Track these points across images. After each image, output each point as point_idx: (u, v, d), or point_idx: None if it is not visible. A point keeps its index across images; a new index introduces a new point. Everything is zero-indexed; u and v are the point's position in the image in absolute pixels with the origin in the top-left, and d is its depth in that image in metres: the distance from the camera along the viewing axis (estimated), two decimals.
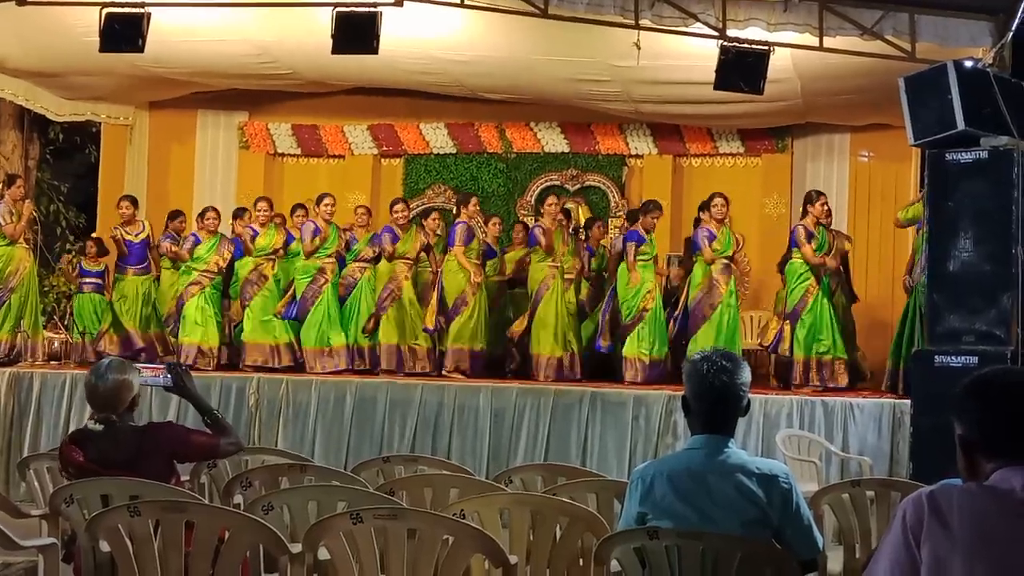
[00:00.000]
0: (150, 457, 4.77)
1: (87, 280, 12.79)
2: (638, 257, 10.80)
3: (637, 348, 10.68)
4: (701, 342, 10.32)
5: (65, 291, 14.97)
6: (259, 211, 11.69)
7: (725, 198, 10.83)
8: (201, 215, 11.95)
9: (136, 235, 11.86)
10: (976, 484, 2.52)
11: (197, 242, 11.64)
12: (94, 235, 13.52)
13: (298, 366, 11.23)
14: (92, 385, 4.81)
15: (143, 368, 5.07)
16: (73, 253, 15.24)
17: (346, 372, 11.03)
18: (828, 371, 10.26)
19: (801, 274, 10.48)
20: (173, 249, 11.76)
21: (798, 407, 9.20)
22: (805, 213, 10.66)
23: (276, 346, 11.30)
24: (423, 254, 11.55)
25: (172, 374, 5.01)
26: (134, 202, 12.13)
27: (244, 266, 11.65)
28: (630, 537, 3.73)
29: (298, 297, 11.30)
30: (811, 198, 10.71)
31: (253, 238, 11.59)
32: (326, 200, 11.51)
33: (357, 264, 11.51)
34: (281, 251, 11.57)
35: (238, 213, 12.41)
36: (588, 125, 13.77)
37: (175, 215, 12.31)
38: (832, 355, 10.27)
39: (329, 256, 11.34)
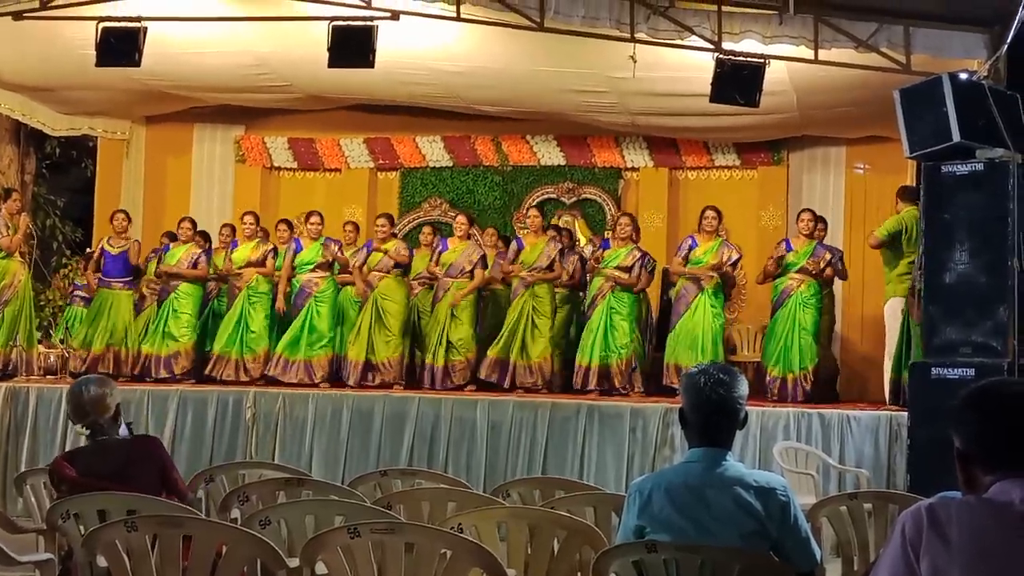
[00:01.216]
0: (140, 466, 4.82)
1: (78, 294, 12.92)
2: (596, 264, 11.03)
3: (580, 357, 10.85)
4: (672, 341, 10.63)
5: (61, 305, 14.99)
6: (245, 224, 11.82)
7: (716, 211, 10.93)
8: (177, 227, 12.09)
9: (117, 248, 11.84)
10: (975, 497, 2.52)
11: (166, 250, 11.86)
12: (87, 251, 13.64)
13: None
14: (76, 395, 4.98)
15: None
16: (70, 267, 15.32)
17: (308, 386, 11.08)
18: (787, 384, 10.38)
19: (775, 286, 10.72)
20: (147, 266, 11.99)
21: (795, 419, 9.19)
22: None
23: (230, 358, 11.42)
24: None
25: None
26: (127, 216, 12.15)
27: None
28: (628, 551, 3.72)
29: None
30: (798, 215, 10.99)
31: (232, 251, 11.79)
32: (312, 219, 11.72)
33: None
34: (268, 263, 11.63)
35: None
36: (584, 138, 13.78)
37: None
38: (782, 369, 10.40)
39: (313, 271, 11.48)
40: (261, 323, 11.40)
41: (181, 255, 11.68)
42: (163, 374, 11.30)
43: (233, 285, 11.60)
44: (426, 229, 12.03)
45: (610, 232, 12.61)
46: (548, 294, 11.10)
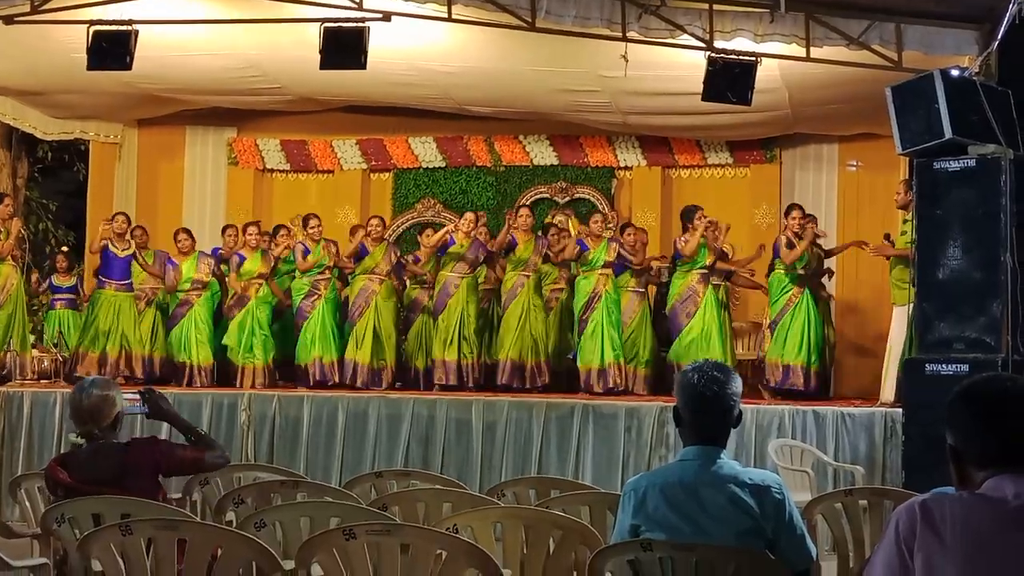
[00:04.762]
0: (134, 473, 4.77)
1: (59, 297, 12.84)
2: (581, 267, 11.14)
3: (586, 358, 10.90)
4: (676, 350, 10.74)
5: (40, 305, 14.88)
6: (249, 235, 11.83)
7: (800, 209, 11.02)
8: (174, 238, 12.03)
9: (123, 250, 11.84)
10: (968, 493, 2.52)
11: (174, 266, 11.79)
12: (64, 248, 13.58)
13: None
14: (76, 400, 4.88)
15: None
16: (44, 269, 15.21)
17: (338, 388, 11.06)
18: (790, 374, 10.49)
19: (784, 284, 10.63)
20: (156, 275, 11.95)
21: (790, 416, 9.21)
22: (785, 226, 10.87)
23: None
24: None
25: (147, 401, 5.02)
26: (128, 219, 12.16)
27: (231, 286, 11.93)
28: (624, 550, 3.72)
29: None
30: (787, 211, 10.97)
31: (240, 263, 11.68)
32: (312, 222, 11.77)
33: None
34: (268, 274, 11.71)
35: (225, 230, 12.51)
36: (577, 138, 13.78)
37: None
38: (799, 361, 10.46)
39: (322, 273, 11.54)
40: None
41: (194, 275, 11.87)
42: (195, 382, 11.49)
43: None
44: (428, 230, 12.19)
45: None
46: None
